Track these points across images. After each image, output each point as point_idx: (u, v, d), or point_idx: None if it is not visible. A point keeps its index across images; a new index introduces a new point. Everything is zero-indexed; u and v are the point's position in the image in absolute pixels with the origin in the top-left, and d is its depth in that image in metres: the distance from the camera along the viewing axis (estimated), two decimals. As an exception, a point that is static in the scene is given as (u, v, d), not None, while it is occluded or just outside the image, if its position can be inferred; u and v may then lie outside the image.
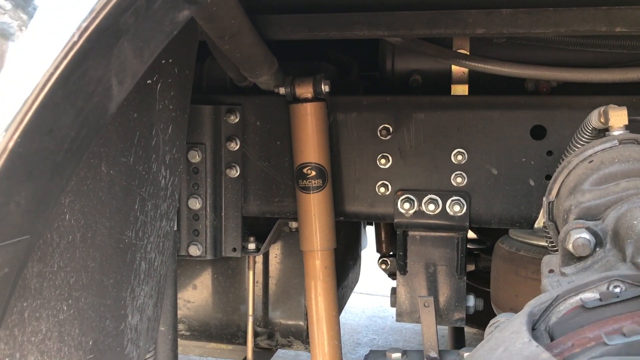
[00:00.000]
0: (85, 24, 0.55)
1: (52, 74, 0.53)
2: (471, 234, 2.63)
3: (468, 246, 2.11)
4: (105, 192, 1.12)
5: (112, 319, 1.20)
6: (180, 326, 2.16)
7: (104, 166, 1.11)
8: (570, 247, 0.97)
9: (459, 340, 2.65)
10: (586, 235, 0.96)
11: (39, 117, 0.53)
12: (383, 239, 2.61)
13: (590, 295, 0.83)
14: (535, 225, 1.69)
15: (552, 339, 0.80)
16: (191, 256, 1.83)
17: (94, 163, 1.08)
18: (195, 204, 1.80)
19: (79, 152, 0.61)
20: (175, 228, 1.73)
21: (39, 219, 0.62)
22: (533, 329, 0.83)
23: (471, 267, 2.49)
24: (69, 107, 0.56)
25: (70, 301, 1.02)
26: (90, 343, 1.11)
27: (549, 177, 1.68)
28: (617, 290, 0.82)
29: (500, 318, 0.96)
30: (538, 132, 1.69)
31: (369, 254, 2.92)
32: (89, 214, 1.07)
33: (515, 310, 1.67)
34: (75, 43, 0.54)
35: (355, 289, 2.75)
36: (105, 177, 1.12)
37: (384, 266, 2.55)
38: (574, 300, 0.84)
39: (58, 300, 0.98)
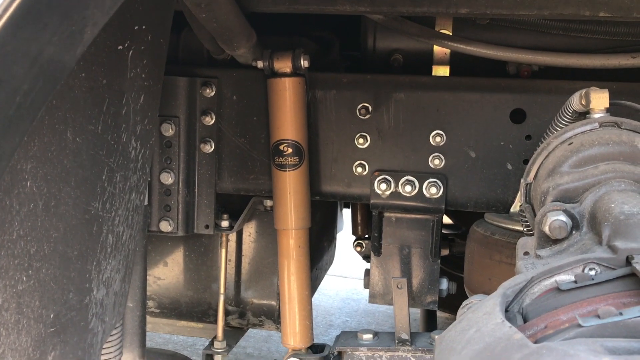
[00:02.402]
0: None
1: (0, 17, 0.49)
2: (446, 219, 2.63)
3: (443, 231, 2.10)
4: (71, 160, 1.08)
5: (76, 292, 1.16)
6: (150, 303, 2.12)
7: (70, 133, 1.06)
8: (546, 229, 0.96)
9: (431, 323, 2.66)
10: (563, 217, 0.95)
11: (-14, 67, 0.49)
12: (359, 221, 2.60)
13: (565, 278, 0.82)
14: (511, 210, 1.69)
15: (525, 321, 0.79)
16: (162, 232, 1.79)
17: (59, 129, 1.04)
18: (167, 178, 1.76)
19: (33, 107, 0.57)
20: (146, 203, 1.68)
21: (-10, 179, 0.58)
22: (506, 310, 0.81)
23: (445, 252, 2.49)
24: (20, 56, 0.51)
25: (30, 272, 0.98)
26: (52, 316, 1.07)
27: (526, 162, 1.67)
28: (592, 272, 0.81)
29: (473, 299, 0.95)
30: (518, 116, 1.68)
31: (345, 237, 2.91)
32: (53, 181, 1.03)
33: (488, 293, 1.67)
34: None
35: (330, 271, 2.74)
36: (71, 145, 1.08)
37: (359, 249, 2.54)
38: (549, 282, 0.83)
39: (17, 270, 0.94)
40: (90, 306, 1.24)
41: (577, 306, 0.74)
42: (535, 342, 0.72)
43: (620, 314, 0.66)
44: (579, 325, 0.67)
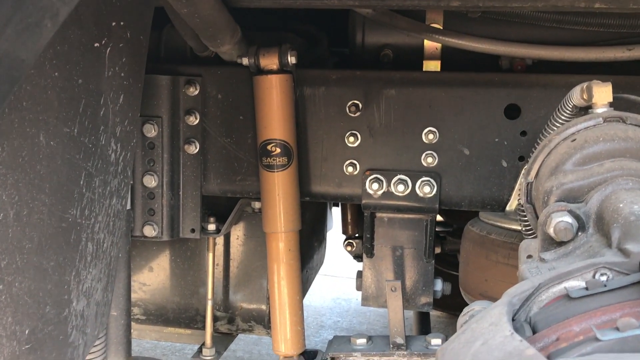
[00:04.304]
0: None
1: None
2: (437, 217, 2.58)
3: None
4: (45, 166, 1.01)
5: (54, 305, 1.10)
6: (136, 310, 2.05)
7: (43, 136, 1.00)
8: (551, 231, 0.91)
9: (424, 324, 2.61)
10: (568, 218, 0.90)
11: None
12: (349, 220, 2.54)
13: (575, 284, 0.77)
14: (507, 208, 1.64)
15: (534, 331, 0.74)
16: (146, 237, 1.72)
17: (30, 132, 0.97)
18: (150, 181, 1.69)
19: (-13, 111, 0.51)
20: (129, 207, 1.62)
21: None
22: (512, 319, 0.76)
23: (437, 250, 2.44)
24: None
25: (2, 286, 0.91)
26: (27, 332, 1.00)
27: (522, 158, 1.63)
28: (604, 278, 0.76)
29: (475, 306, 0.89)
30: (512, 112, 1.63)
31: (334, 235, 2.85)
32: (25, 189, 0.96)
33: (485, 295, 1.62)
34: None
35: (320, 270, 2.68)
36: (45, 149, 1.01)
37: (349, 248, 2.48)
38: (558, 289, 0.78)
39: (-14, 285, 0.88)
40: (70, 319, 1.18)
41: (591, 316, 0.69)
42: (548, 357, 0.67)
43: (642, 326, 0.60)
44: (597, 339, 0.62)
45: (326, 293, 4.35)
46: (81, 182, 1.14)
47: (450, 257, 2.71)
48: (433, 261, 1.75)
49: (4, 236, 0.91)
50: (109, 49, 1.19)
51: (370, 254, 1.77)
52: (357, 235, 2.53)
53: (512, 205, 1.60)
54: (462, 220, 2.13)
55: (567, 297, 0.75)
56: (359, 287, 1.82)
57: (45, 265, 1.04)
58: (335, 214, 2.85)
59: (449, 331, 3.50)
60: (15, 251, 0.94)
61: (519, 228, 1.33)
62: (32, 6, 0.49)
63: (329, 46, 2.19)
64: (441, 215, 2.61)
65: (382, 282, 1.77)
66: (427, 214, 1.70)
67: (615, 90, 1.13)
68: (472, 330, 0.76)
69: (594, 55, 1.61)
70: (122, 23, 1.23)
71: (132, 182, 1.69)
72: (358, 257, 2.58)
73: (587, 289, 0.73)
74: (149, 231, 1.71)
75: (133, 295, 1.99)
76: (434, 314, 3.54)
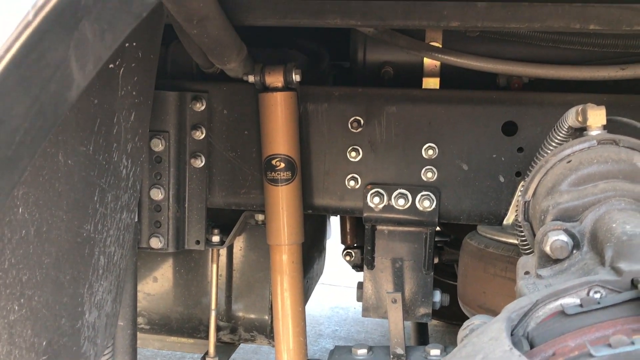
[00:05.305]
0: (41, 2, 0.48)
1: (1, 58, 0.47)
2: (435, 228, 2.62)
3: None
4: (63, 183, 1.05)
5: (68, 317, 1.14)
6: (140, 319, 2.09)
7: (62, 155, 1.04)
8: (547, 249, 0.95)
9: (422, 333, 2.65)
10: (564, 237, 0.94)
11: (-14, 106, 0.47)
12: (348, 230, 2.58)
13: (570, 301, 0.81)
14: (504, 222, 1.69)
15: (531, 346, 0.78)
16: (152, 248, 1.76)
17: (51, 152, 1.01)
18: (157, 194, 1.73)
19: (33, 145, 0.54)
20: (136, 220, 1.66)
21: (-13, 217, 0.56)
22: (511, 334, 0.80)
23: (435, 260, 2.48)
24: (22, 95, 0.49)
25: (23, 300, 0.95)
26: (44, 344, 1.04)
27: (519, 174, 1.67)
28: (597, 295, 0.80)
29: (475, 321, 0.93)
30: (509, 128, 1.68)
31: (332, 244, 2.89)
32: (45, 206, 1.00)
33: (483, 307, 1.67)
34: (29, 23, 0.48)
35: (319, 280, 2.72)
36: (63, 167, 1.05)
37: (348, 258, 2.52)
38: (554, 305, 0.82)
39: (9, 299, 0.91)
40: (83, 330, 1.22)
41: (585, 332, 0.74)
42: (545, 371, 0.71)
43: (632, 343, 0.65)
44: (590, 355, 0.66)
45: (324, 302, 4.38)
46: (95, 198, 1.18)
47: (447, 267, 2.75)
48: (432, 273, 1.79)
49: (26, 252, 0.95)
50: (122, 69, 1.23)
51: (371, 265, 1.81)
52: (355, 245, 2.57)
53: (509, 219, 1.64)
54: (459, 231, 2.17)
55: (562, 313, 0.79)
56: (359, 298, 1.86)
57: (61, 279, 1.08)
58: (333, 224, 2.88)
59: (445, 340, 3.54)
60: (35, 266, 0.98)
61: (516, 242, 1.38)
62: (80, 51, 0.53)
63: (329, 60, 2.24)
64: (438, 226, 2.66)
65: (382, 293, 1.81)
66: (427, 227, 1.75)
67: (608, 108, 1.18)
68: (472, 344, 0.80)
69: (588, 74, 1.66)
70: (134, 44, 1.28)
71: (139, 196, 1.73)
72: (357, 267, 2.62)
73: (581, 305, 0.78)
74: (155, 243, 1.75)
75: (137, 305, 2.02)
76: (431, 322, 3.58)
